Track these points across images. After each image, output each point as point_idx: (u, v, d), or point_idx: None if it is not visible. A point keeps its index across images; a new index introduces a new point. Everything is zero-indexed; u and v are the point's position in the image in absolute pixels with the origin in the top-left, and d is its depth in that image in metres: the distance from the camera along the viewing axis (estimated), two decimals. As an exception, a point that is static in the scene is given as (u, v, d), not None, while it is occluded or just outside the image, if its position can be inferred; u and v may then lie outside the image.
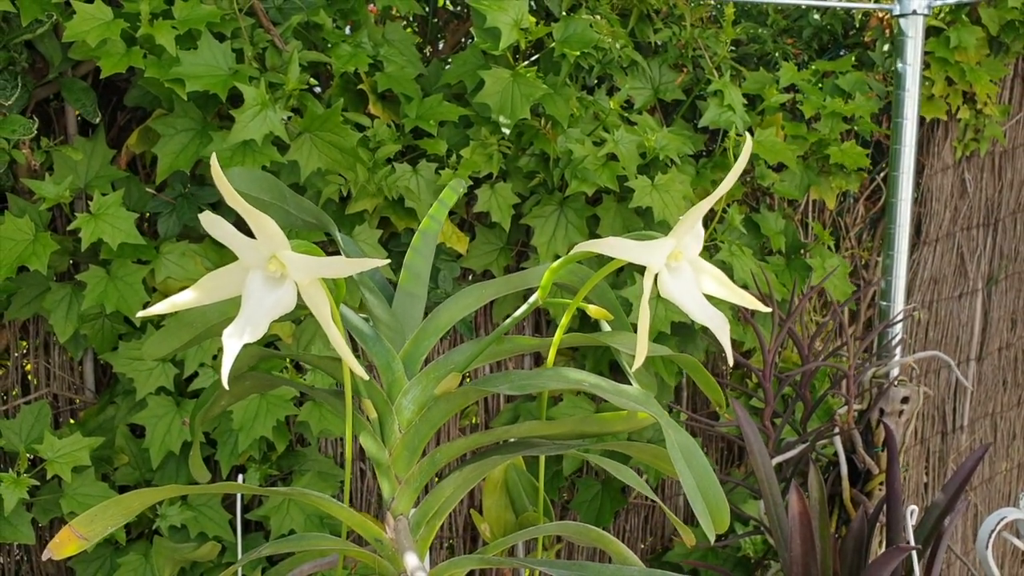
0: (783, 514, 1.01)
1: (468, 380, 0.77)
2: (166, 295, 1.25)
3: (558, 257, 1.44)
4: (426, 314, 0.80)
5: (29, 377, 1.33)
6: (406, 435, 0.75)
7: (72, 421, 1.33)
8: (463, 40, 1.60)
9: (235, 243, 0.64)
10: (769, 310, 0.77)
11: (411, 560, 0.67)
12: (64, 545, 0.64)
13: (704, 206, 0.68)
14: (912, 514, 1.04)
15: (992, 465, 2.23)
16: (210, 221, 0.64)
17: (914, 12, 1.31)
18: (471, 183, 1.35)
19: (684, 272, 0.69)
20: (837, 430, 1.20)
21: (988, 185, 2.05)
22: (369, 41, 1.32)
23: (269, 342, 1.27)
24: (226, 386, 0.63)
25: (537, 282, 0.84)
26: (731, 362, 0.65)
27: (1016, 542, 1.18)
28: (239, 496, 1.10)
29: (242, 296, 0.65)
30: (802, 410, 1.26)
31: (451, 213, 1.43)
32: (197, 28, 1.15)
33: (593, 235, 1.44)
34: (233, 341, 0.63)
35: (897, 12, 1.33)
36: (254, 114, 1.13)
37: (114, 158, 1.25)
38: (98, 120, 1.21)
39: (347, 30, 1.39)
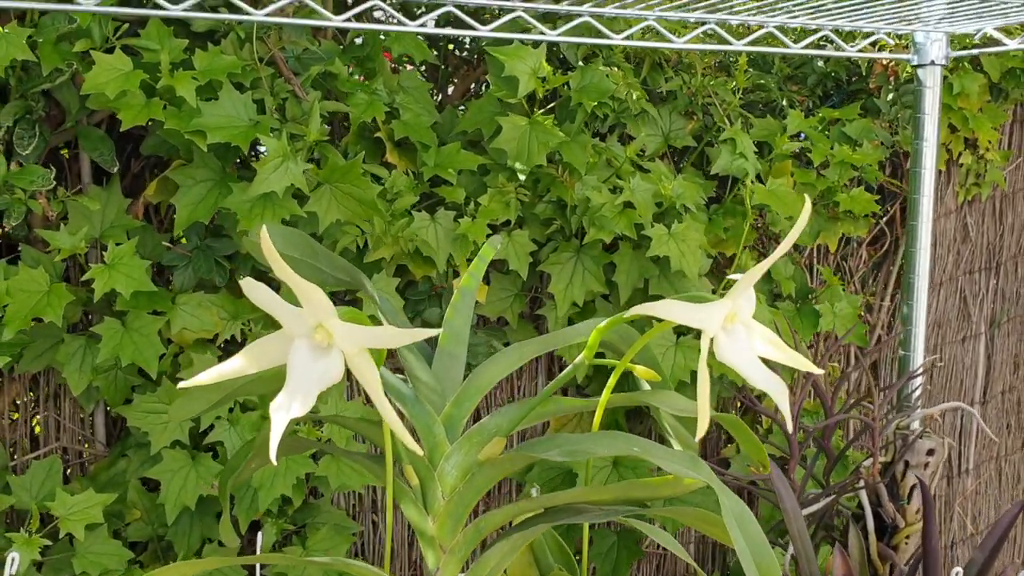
0: (815, 571, 0.99)
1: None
2: (182, 346, 1.23)
3: (575, 304, 1.43)
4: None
5: (37, 430, 1.30)
6: (450, 502, 0.73)
7: (80, 476, 1.30)
8: (473, 86, 1.59)
9: (279, 311, 0.62)
10: (823, 372, 0.76)
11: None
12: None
13: (759, 269, 0.67)
14: None
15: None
16: (251, 288, 0.61)
17: (932, 63, 1.32)
18: (489, 231, 1.34)
19: (739, 335, 0.68)
20: (862, 483, 1.18)
21: (989, 229, 2.07)
22: (384, 88, 1.31)
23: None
24: (274, 462, 0.61)
25: (570, 341, 0.82)
26: (791, 429, 0.64)
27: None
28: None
29: (287, 366, 0.63)
30: (824, 462, 1.24)
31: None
32: (217, 79, 1.14)
33: (609, 282, 1.43)
34: (281, 414, 0.60)
35: (916, 62, 1.34)
36: (276, 166, 1.12)
37: (129, 207, 1.23)
38: (115, 169, 1.19)
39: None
